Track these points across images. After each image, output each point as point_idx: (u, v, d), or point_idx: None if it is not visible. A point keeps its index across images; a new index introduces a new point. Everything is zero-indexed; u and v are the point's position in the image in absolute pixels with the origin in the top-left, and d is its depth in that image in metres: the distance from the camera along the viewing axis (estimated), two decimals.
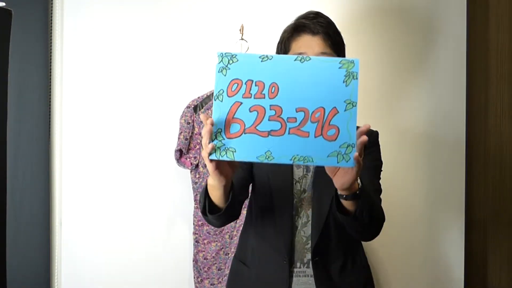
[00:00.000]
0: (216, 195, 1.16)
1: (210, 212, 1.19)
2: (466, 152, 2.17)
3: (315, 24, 1.33)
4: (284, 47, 1.37)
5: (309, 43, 1.32)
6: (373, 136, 1.39)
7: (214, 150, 0.99)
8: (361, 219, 1.13)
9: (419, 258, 2.15)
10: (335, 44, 1.34)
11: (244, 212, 1.56)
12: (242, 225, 1.54)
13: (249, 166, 1.41)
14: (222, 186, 1.11)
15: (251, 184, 1.44)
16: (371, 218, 1.15)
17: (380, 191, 1.37)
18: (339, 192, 1.10)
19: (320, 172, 1.31)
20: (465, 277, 2.16)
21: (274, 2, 2.08)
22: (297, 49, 1.33)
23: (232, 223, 1.73)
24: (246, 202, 1.47)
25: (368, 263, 1.49)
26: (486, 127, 2.17)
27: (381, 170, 1.41)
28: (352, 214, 1.13)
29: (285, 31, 1.39)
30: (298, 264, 1.37)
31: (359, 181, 1.09)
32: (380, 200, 1.35)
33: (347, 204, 1.12)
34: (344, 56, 1.39)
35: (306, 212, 1.37)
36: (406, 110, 2.14)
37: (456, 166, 2.16)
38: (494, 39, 2.15)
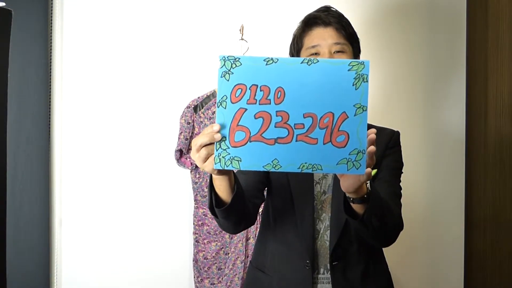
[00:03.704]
0: (221, 185, 1.08)
1: (218, 206, 1.12)
2: (466, 152, 2.17)
3: (326, 16, 1.29)
4: (297, 44, 1.33)
5: (321, 35, 1.28)
6: (394, 136, 1.36)
7: (219, 160, 0.94)
8: (370, 225, 1.09)
9: (419, 258, 2.15)
10: (348, 34, 1.29)
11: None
12: (258, 232, 1.47)
13: None
14: (222, 176, 1.05)
15: (266, 188, 1.38)
16: (382, 225, 1.11)
17: (399, 195, 1.31)
18: (347, 194, 1.07)
19: None
20: (465, 277, 2.16)
21: (274, 2, 2.08)
22: (310, 43, 1.29)
23: None
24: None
25: (389, 270, 1.44)
26: (486, 127, 2.17)
27: (402, 172, 1.36)
28: (359, 218, 1.09)
29: (296, 29, 1.35)
30: (321, 270, 1.31)
31: (368, 185, 1.06)
32: (399, 205, 1.29)
33: (355, 207, 1.09)
34: (359, 49, 1.34)
35: (328, 215, 1.31)
36: (406, 110, 2.14)
37: (456, 166, 2.16)
38: (494, 39, 2.15)
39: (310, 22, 1.31)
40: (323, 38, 1.28)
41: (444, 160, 2.16)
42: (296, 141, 0.94)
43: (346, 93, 0.94)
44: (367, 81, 0.95)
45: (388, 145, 1.33)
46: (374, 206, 1.07)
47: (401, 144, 1.39)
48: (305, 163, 0.94)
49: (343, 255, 1.31)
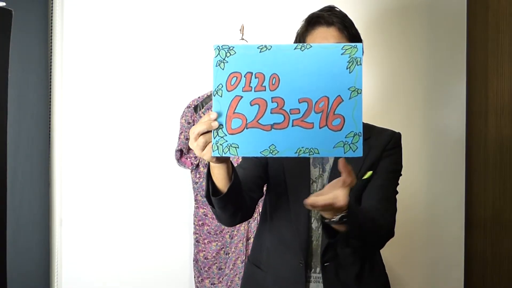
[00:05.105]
0: (219, 174, 1.07)
1: (214, 195, 1.11)
2: (466, 152, 2.17)
3: (329, 15, 1.28)
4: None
5: (323, 34, 1.27)
6: (394, 138, 1.33)
7: (217, 147, 0.95)
8: (350, 244, 1.11)
9: (419, 258, 2.15)
10: (351, 35, 1.28)
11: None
12: (256, 227, 1.47)
13: (265, 164, 1.34)
14: (220, 164, 1.05)
15: (266, 185, 1.38)
16: (362, 243, 1.13)
17: (391, 200, 1.29)
18: (325, 218, 1.06)
19: (335, 172, 1.24)
20: (465, 277, 2.16)
21: (274, 2, 2.08)
22: (312, 42, 1.27)
23: None
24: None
25: (385, 271, 1.41)
26: (486, 127, 2.17)
27: (400, 175, 1.34)
28: (336, 236, 1.09)
29: (299, 28, 1.35)
30: (317, 269, 1.30)
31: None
32: (391, 211, 1.27)
33: (335, 226, 1.07)
34: (362, 50, 1.35)
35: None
36: (406, 110, 2.14)
37: (456, 166, 2.16)
38: (494, 39, 2.15)
39: (313, 21, 1.31)
40: (325, 38, 1.27)
41: (444, 160, 2.16)
42: (292, 126, 0.95)
43: (340, 77, 0.95)
44: (360, 64, 0.95)
45: (386, 146, 1.31)
46: (353, 229, 1.06)
47: (401, 144, 1.38)
48: (302, 147, 0.95)
49: (335, 256, 1.29)
